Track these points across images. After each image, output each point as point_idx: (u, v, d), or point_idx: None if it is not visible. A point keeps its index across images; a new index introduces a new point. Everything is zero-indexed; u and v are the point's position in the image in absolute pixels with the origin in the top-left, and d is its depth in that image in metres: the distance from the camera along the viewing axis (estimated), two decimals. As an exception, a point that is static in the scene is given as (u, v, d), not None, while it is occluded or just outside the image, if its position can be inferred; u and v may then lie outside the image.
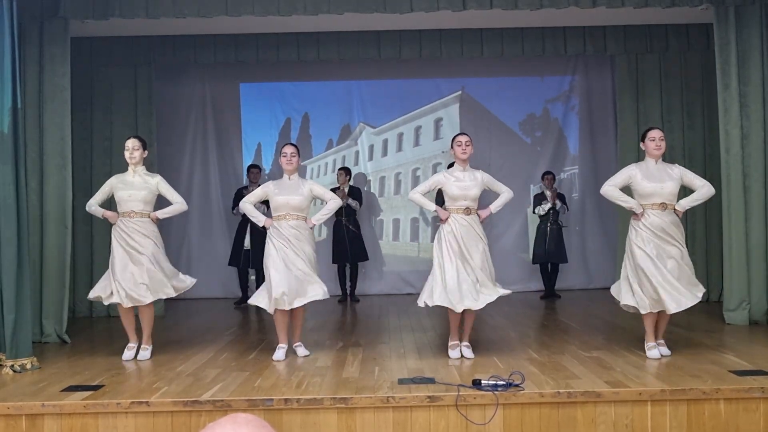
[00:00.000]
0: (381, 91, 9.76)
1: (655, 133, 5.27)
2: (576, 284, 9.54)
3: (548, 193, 8.75)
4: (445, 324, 5.96)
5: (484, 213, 5.37)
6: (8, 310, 5.20)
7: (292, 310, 5.36)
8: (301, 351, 5.50)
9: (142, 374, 5.00)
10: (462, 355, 5.26)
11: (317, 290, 5.37)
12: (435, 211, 5.45)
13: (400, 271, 9.75)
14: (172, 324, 7.26)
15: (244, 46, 8.31)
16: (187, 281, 5.70)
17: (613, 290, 5.41)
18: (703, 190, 5.24)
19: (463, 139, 5.39)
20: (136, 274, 5.41)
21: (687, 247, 5.26)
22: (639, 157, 5.51)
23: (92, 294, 5.57)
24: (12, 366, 5.14)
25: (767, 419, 4.14)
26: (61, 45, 6.50)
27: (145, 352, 5.52)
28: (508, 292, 5.26)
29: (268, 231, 5.48)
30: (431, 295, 5.22)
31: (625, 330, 6.04)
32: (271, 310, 5.35)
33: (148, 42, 8.19)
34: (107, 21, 6.65)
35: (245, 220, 8.54)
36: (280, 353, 5.38)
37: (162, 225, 5.84)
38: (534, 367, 4.86)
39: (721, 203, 6.59)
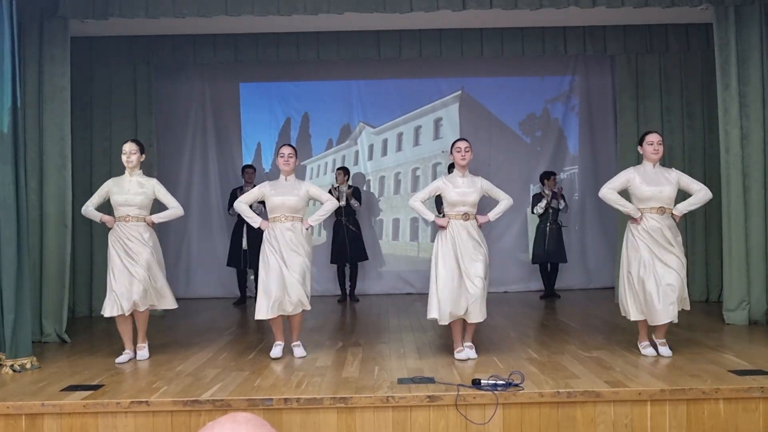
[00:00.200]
0: (381, 90, 9.76)
1: (654, 137, 5.26)
2: (576, 284, 9.55)
3: (546, 191, 8.74)
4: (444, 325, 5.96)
5: (482, 219, 5.36)
6: (8, 309, 5.20)
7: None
8: (298, 351, 5.46)
9: (142, 374, 5.00)
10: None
11: (306, 302, 5.35)
12: (433, 221, 5.45)
13: (400, 270, 9.75)
14: (172, 324, 7.26)
15: (244, 45, 8.30)
16: (166, 304, 5.56)
17: (622, 307, 5.41)
18: (700, 194, 5.24)
19: (462, 145, 5.38)
20: (131, 282, 5.33)
21: (687, 247, 5.27)
22: (638, 157, 5.50)
23: (105, 313, 5.43)
24: (12, 365, 5.14)
25: (767, 419, 4.14)
26: (60, 45, 6.50)
27: (143, 352, 5.51)
28: (485, 317, 5.21)
29: (264, 233, 5.47)
30: (430, 309, 5.27)
31: (625, 330, 6.04)
32: (269, 317, 5.34)
33: (147, 41, 8.19)
34: (107, 20, 6.65)
35: (242, 220, 8.54)
36: (276, 350, 5.39)
37: (161, 225, 5.83)
38: (534, 366, 4.86)
39: (721, 203, 6.58)
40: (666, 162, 7.50)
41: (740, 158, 6.51)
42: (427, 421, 4.16)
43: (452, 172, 5.57)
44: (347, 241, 8.91)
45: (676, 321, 5.11)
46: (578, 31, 8.22)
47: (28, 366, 5.19)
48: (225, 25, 7.47)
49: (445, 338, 5.86)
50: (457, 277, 5.17)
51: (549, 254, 8.78)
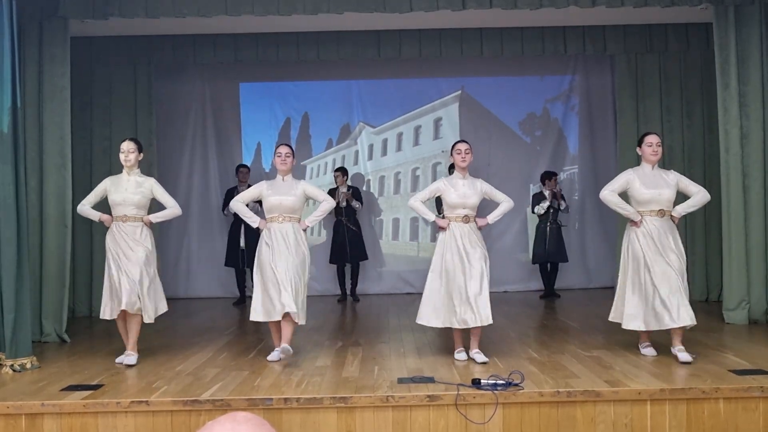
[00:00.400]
0: (381, 90, 9.75)
1: (653, 138, 5.24)
2: (575, 284, 9.54)
3: (547, 192, 8.74)
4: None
5: (481, 222, 5.35)
6: (8, 309, 5.20)
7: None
8: (284, 348, 5.15)
9: (142, 374, 4.99)
10: (470, 358, 5.17)
11: (295, 315, 5.19)
12: (434, 221, 5.45)
13: (400, 270, 9.74)
14: (172, 323, 7.25)
15: (244, 45, 8.30)
16: (157, 310, 5.43)
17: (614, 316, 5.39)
18: (699, 196, 5.23)
19: (462, 147, 5.38)
20: (125, 283, 5.26)
21: (686, 246, 5.26)
22: (638, 157, 5.48)
23: (102, 315, 5.41)
24: (12, 365, 5.14)
25: (766, 418, 4.14)
26: (60, 44, 6.50)
27: (130, 358, 5.30)
28: (489, 323, 5.15)
29: (261, 234, 5.43)
30: (420, 314, 5.31)
31: (625, 330, 6.02)
32: (262, 320, 5.31)
33: (147, 41, 8.19)
34: (107, 20, 6.65)
35: (238, 220, 8.54)
36: (274, 354, 5.34)
37: (161, 224, 5.82)
38: (533, 366, 4.86)
39: (721, 203, 6.59)
40: (666, 162, 7.51)
41: (740, 158, 6.51)
42: (426, 420, 4.16)
43: (452, 172, 5.57)
44: (347, 240, 8.91)
45: (688, 324, 4.93)
46: (578, 31, 8.23)
47: (28, 366, 5.19)
48: (225, 25, 7.47)
49: (444, 338, 5.86)
50: (452, 283, 5.16)
51: (549, 254, 8.77)
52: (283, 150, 5.49)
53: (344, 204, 8.78)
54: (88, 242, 7.99)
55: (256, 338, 6.30)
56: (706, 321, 6.63)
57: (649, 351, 5.18)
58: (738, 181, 6.51)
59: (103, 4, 6.49)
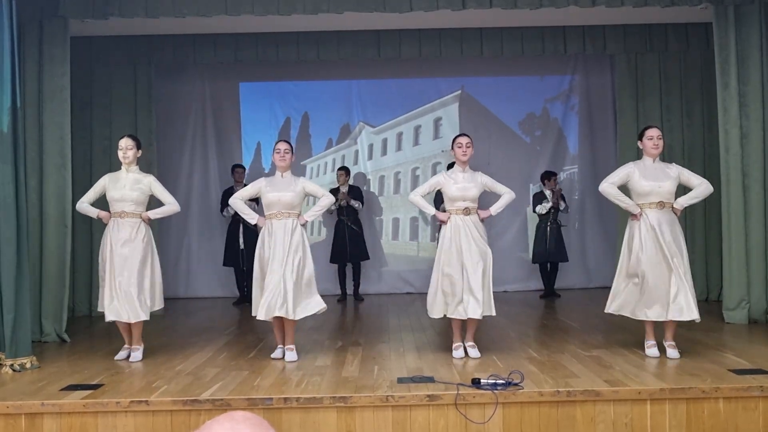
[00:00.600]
0: (381, 90, 9.75)
1: (653, 132, 5.24)
2: (575, 283, 9.54)
3: (548, 192, 8.74)
4: (443, 323, 5.96)
5: (483, 213, 5.37)
6: (8, 309, 5.20)
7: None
8: (290, 356, 5.27)
9: (142, 373, 4.99)
10: (467, 355, 5.23)
11: (312, 305, 5.29)
12: (434, 214, 5.46)
13: (400, 270, 9.74)
14: (171, 323, 7.26)
15: (244, 45, 8.30)
16: (152, 308, 5.45)
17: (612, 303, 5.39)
18: (701, 188, 5.22)
19: (463, 140, 5.39)
20: (122, 296, 5.27)
21: (687, 246, 5.24)
22: (638, 156, 5.49)
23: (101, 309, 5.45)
24: (11, 365, 5.14)
25: (766, 418, 4.14)
26: (60, 44, 6.50)
27: (137, 353, 5.39)
28: (492, 314, 5.20)
29: (260, 232, 5.42)
30: (432, 308, 5.34)
31: (625, 329, 6.04)
32: (265, 317, 5.31)
33: (147, 41, 8.19)
34: (107, 20, 6.65)
35: (235, 220, 8.54)
36: (277, 352, 5.39)
37: (161, 223, 5.82)
38: (533, 366, 4.86)
39: (721, 203, 6.59)
40: (666, 161, 7.50)
41: (740, 158, 6.51)
42: (426, 420, 4.16)
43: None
44: (348, 240, 8.90)
45: (691, 318, 4.91)
46: (578, 31, 8.23)
47: (28, 365, 5.19)
48: (225, 24, 7.47)
49: (444, 337, 5.86)
50: (456, 275, 5.18)
51: (550, 254, 8.77)
52: (282, 146, 5.48)
53: (344, 204, 8.77)
54: (88, 242, 7.99)
55: (255, 338, 6.30)
56: (706, 320, 6.60)
57: (653, 352, 5.10)
58: (738, 181, 6.51)
59: (103, 4, 6.49)
